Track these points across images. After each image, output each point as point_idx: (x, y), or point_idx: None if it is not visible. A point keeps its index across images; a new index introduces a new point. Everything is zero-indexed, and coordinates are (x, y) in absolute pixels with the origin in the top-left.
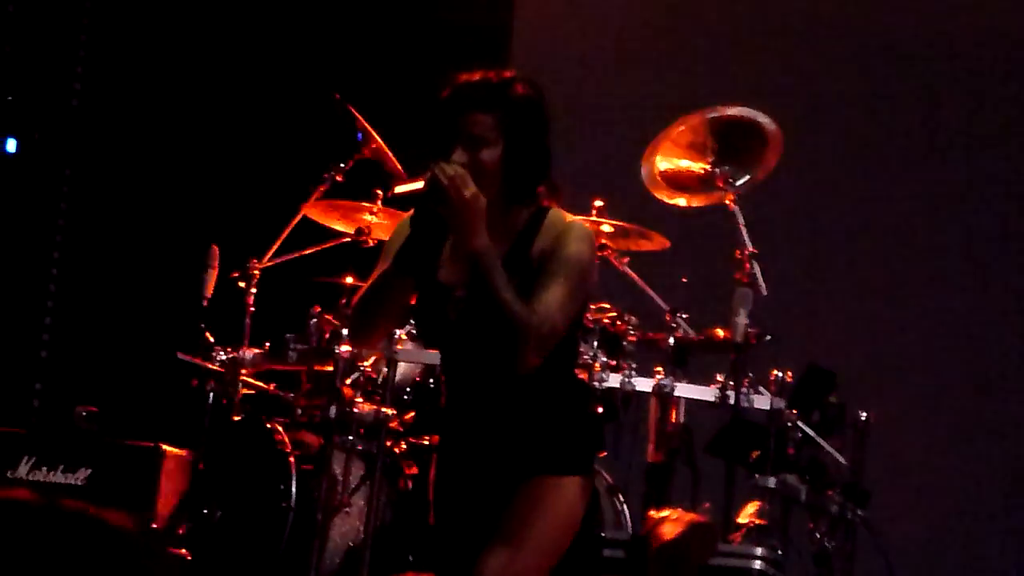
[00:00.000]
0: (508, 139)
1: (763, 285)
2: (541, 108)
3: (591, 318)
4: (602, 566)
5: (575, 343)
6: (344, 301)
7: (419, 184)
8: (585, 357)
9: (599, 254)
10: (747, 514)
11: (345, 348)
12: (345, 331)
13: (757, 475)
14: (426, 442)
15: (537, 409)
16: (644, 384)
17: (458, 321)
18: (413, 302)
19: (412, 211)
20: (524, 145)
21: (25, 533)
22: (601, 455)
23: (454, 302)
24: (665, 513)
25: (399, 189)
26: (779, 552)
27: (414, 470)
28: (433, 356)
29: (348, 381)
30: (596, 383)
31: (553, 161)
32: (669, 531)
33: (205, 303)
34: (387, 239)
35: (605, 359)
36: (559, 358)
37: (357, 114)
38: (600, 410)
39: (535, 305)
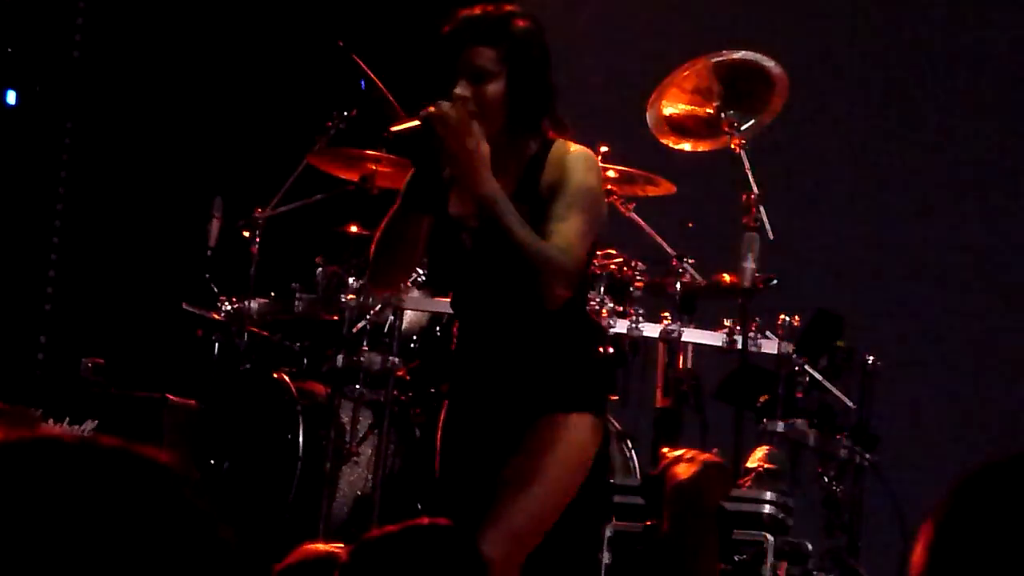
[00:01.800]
0: (511, 71)
1: (770, 229)
2: (542, 41)
3: (598, 264)
4: (613, 512)
5: (586, 280)
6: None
7: (416, 122)
8: (592, 303)
9: (609, 198)
10: (756, 459)
11: (352, 297)
12: (351, 280)
13: (765, 420)
14: (433, 390)
15: (547, 346)
16: (651, 330)
17: (472, 251)
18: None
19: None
20: (527, 77)
21: (63, 470)
22: (612, 398)
23: (467, 233)
24: (679, 453)
25: (395, 128)
26: (788, 496)
27: (422, 418)
28: (440, 304)
29: (355, 330)
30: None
31: (557, 96)
32: (684, 471)
33: (210, 253)
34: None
35: (612, 305)
36: (571, 296)
37: (360, 61)
38: (611, 351)
39: (554, 239)
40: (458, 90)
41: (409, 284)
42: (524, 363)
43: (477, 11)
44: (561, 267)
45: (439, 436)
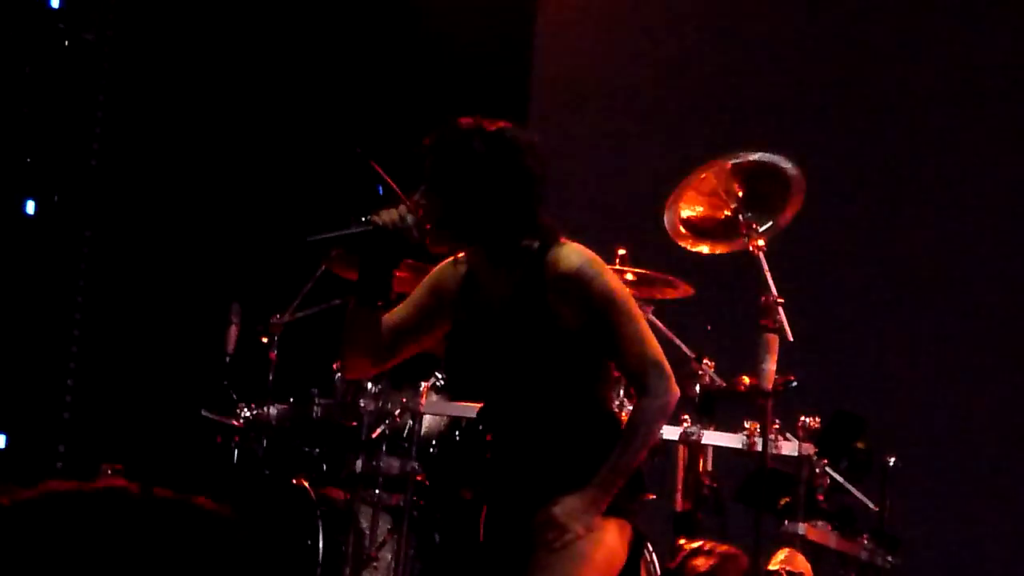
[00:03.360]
0: (455, 184)
1: (789, 331)
2: (502, 158)
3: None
4: None
5: (607, 380)
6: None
7: (352, 230)
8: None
9: None
10: (777, 561)
11: (370, 402)
12: (369, 385)
13: (786, 522)
14: (453, 495)
15: (572, 450)
16: (671, 432)
17: (486, 357)
18: (443, 350)
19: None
20: (470, 190)
21: (126, 520)
22: (649, 497)
23: (480, 338)
24: (696, 544)
25: (322, 236)
26: None
27: (442, 523)
28: (458, 408)
29: (374, 435)
30: None
31: (525, 204)
32: (702, 563)
33: (228, 359)
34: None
35: (631, 408)
36: (591, 396)
37: (378, 167)
38: None
39: (629, 362)
40: (416, 196)
41: (428, 389)
42: (547, 464)
43: (458, 121)
44: (658, 399)
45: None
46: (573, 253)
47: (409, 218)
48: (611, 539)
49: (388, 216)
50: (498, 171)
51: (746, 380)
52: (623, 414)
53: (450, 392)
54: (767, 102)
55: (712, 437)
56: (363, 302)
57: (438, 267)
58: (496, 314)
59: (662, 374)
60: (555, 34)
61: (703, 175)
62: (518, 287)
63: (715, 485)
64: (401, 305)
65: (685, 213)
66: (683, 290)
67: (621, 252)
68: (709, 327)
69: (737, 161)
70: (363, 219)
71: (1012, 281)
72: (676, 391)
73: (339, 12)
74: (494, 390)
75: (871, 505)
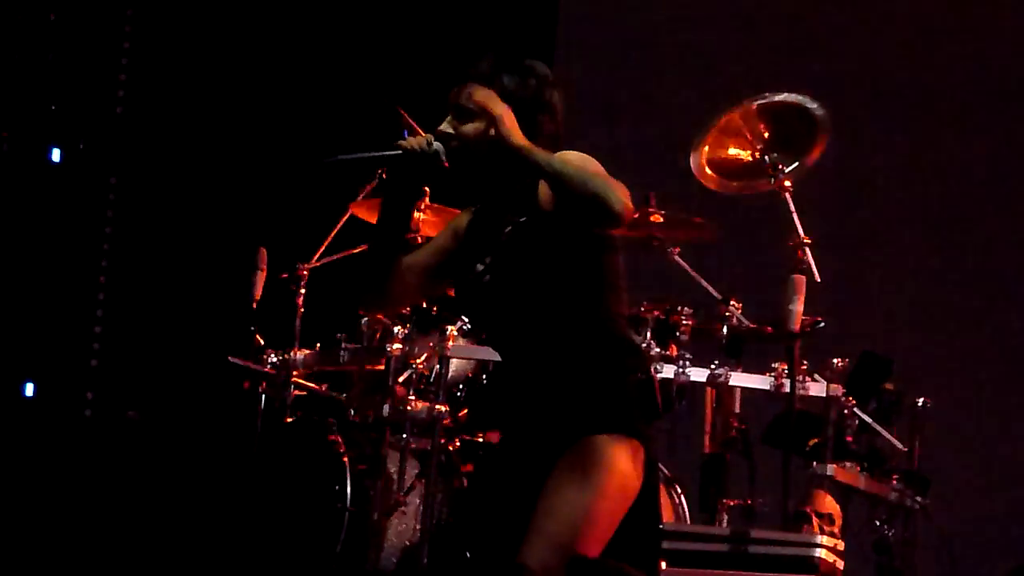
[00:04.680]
0: (473, 115)
1: (816, 272)
2: (536, 89)
3: (644, 309)
4: (663, 557)
5: (616, 299)
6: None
7: (381, 152)
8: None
9: (653, 243)
10: (806, 502)
11: (397, 346)
12: (396, 329)
13: (815, 464)
14: (480, 439)
15: (577, 370)
16: (699, 374)
17: (491, 283)
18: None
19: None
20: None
21: None
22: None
23: (484, 265)
24: None
25: (350, 156)
26: (839, 540)
27: (469, 467)
28: (485, 352)
29: (400, 379)
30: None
31: (555, 145)
32: None
33: (254, 305)
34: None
35: (659, 350)
36: (597, 314)
37: (404, 113)
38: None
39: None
40: (442, 125)
41: (455, 332)
42: (556, 389)
43: (483, 58)
44: (606, 179)
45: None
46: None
47: (437, 145)
48: (623, 464)
49: (416, 141)
50: (526, 103)
51: (773, 322)
52: (650, 356)
53: (476, 335)
54: (796, 40)
55: (739, 379)
56: (387, 229)
57: (460, 213)
58: (501, 254)
59: (620, 186)
60: None
61: (728, 116)
62: (520, 207)
63: (743, 427)
64: (424, 246)
65: (711, 155)
66: (710, 232)
67: (649, 197)
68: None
69: (763, 102)
70: (392, 145)
71: None
72: (630, 205)
73: None
74: (498, 314)
75: (900, 446)
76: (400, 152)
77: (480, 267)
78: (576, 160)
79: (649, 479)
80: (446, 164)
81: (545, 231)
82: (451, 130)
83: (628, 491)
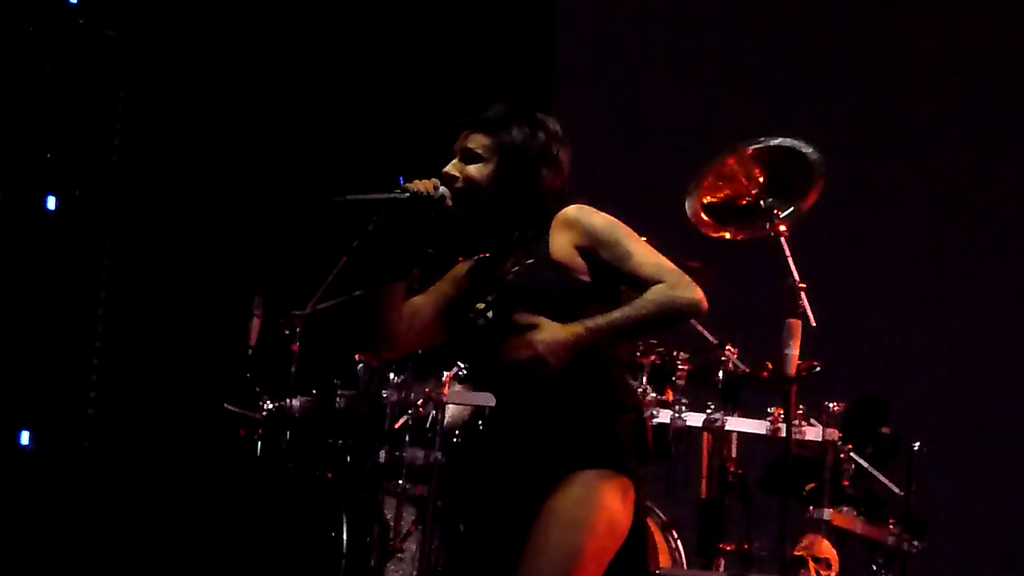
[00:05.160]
0: (501, 160)
1: (812, 316)
2: (546, 145)
3: (639, 354)
4: None
5: (617, 353)
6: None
7: (389, 195)
8: (636, 392)
9: None
10: (803, 547)
11: (393, 393)
12: (392, 375)
13: (812, 508)
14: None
15: (568, 406)
16: (695, 419)
17: (490, 325)
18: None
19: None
20: (515, 169)
21: None
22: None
23: (483, 308)
24: None
25: (356, 198)
26: None
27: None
28: (482, 398)
29: (397, 426)
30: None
31: (559, 200)
32: None
33: (250, 352)
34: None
35: (655, 395)
36: (601, 363)
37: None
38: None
39: (642, 272)
40: (447, 168)
41: (451, 378)
42: (548, 427)
43: (495, 104)
44: (675, 289)
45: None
46: (570, 207)
47: (443, 189)
48: (612, 502)
49: (423, 184)
50: (532, 156)
51: (770, 366)
52: (646, 400)
53: (473, 381)
54: (790, 86)
55: (736, 423)
56: (388, 274)
57: (462, 262)
58: (503, 291)
59: (683, 277)
60: (578, 19)
61: (724, 161)
62: (524, 254)
63: (740, 472)
64: (424, 293)
65: (707, 199)
66: (706, 276)
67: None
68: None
69: (758, 146)
70: (397, 189)
71: None
72: (702, 296)
73: None
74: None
75: (897, 490)
76: (407, 195)
77: (482, 305)
78: (609, 232)
79: (639, 519)
80: (449, 208)
81: (552, 275)
82: (457, 173)
83: (617, 528)
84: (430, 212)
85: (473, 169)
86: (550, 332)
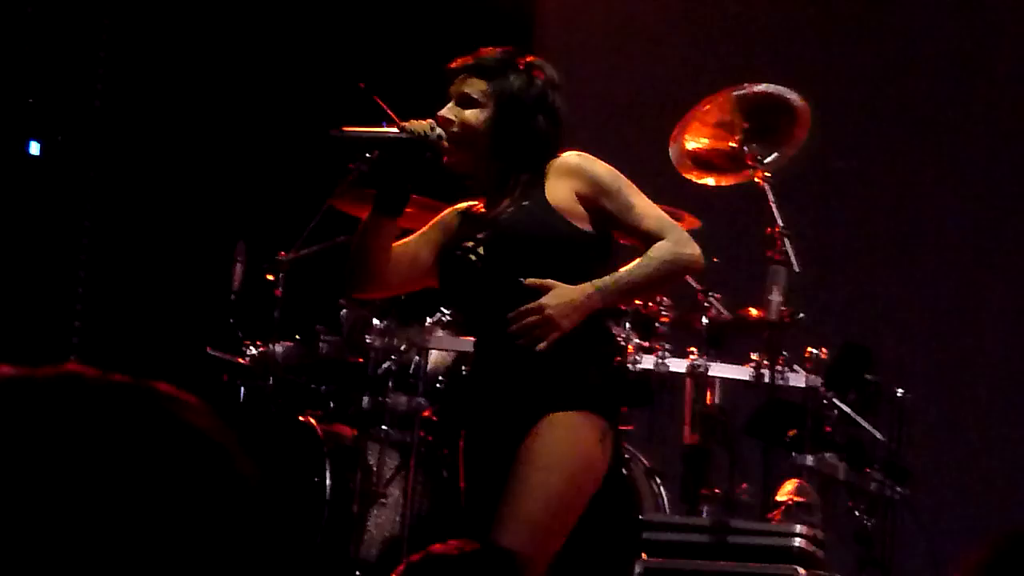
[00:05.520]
0: (498, 106)
1: (796, 263)
2: (542, 91)
3: None
4: (643, 548)
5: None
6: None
7: (382, 130)
8: (618, 339)
9: None
10: (785, 492)
11: (376, 339)
12: (376, 321)
13: (795, 454)
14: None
15: (553, 352)
16: (678, 365)
17: (482, 271)
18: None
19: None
20: (512, 114)
21: (79, 408)
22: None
23: (475, 254)
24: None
25: (351, 132)
26: (819, 529)
27: (449, 458)
28: (466, 343)
29: (380, 372)
30: (630, 365)
31: (553, 145)
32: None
33: (234, 297)
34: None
35: (638, 341)
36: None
37: (382, 102)
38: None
39: (645, 225)
40: (443, 111)
41: (434, 324)
42: (527, 370)
43: (489, 49)
44: (678, 246)
45: (462, 457)
46: (570, 154)
47: (439, 130)
48: (589, 444)
49: (420, 125)
50: (528, 102)
51: (753, 312)
52: (629, 347)
53: (457, 327)
54: (776, 31)
55: (719, 369)
56: (381, 210)
57: (451, 207)
58: (497, 229)
59: (683, 233)
60: None
61: (707, 107)
62: (520, 198)
63: (723, 418)
64: (411, 236)
65: (690, 145)
66: (689, 222)
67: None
68: (715, 259)
69: (741, 92)
70: (390, 125)
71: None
72: (700, 254)
73: None
74: (485, 300)
75: (880, 436)
76: (404, 135)
77: (472, 243)
78: (610, 182)
79: (619, 462)
80: (444, 149)
81: (548, 219)
82: (453, 116)
83: (594, 469)
84: (426, 153)
85: (470, 114)
86: (560, 295)
